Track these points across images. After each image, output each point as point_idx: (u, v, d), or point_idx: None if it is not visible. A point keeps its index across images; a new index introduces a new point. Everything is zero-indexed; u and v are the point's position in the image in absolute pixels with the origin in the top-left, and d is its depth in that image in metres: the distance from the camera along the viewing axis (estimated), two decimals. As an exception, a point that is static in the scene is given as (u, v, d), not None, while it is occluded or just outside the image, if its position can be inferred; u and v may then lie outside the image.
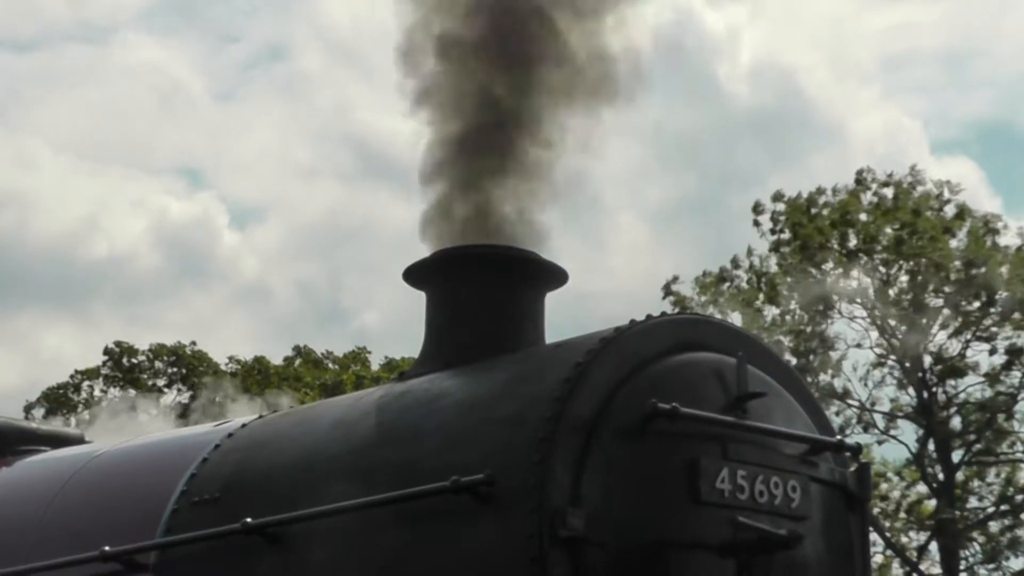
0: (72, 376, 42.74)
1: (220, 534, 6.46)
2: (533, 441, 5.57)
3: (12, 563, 7.39)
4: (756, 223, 33.86)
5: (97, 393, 42.58)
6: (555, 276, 7.09)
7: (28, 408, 40.61)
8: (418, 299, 7.18)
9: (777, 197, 33.70)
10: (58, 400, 41.70)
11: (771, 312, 33.55)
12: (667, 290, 34.01)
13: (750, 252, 33.86)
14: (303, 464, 6.48)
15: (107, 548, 6.88)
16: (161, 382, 42.87)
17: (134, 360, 42.64)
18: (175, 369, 42.66)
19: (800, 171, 52.86)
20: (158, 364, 42.75)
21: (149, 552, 6.81)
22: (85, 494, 7.64)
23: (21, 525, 7.70)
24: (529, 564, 5.40)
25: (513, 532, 5.47)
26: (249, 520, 6.31)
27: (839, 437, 6.51)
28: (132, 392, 40.92)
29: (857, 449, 6.58)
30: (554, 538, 5.40)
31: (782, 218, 33.43)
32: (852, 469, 6.46)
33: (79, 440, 9.52)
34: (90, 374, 42.66)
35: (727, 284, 33.99)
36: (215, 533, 6.50)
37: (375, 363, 42.38)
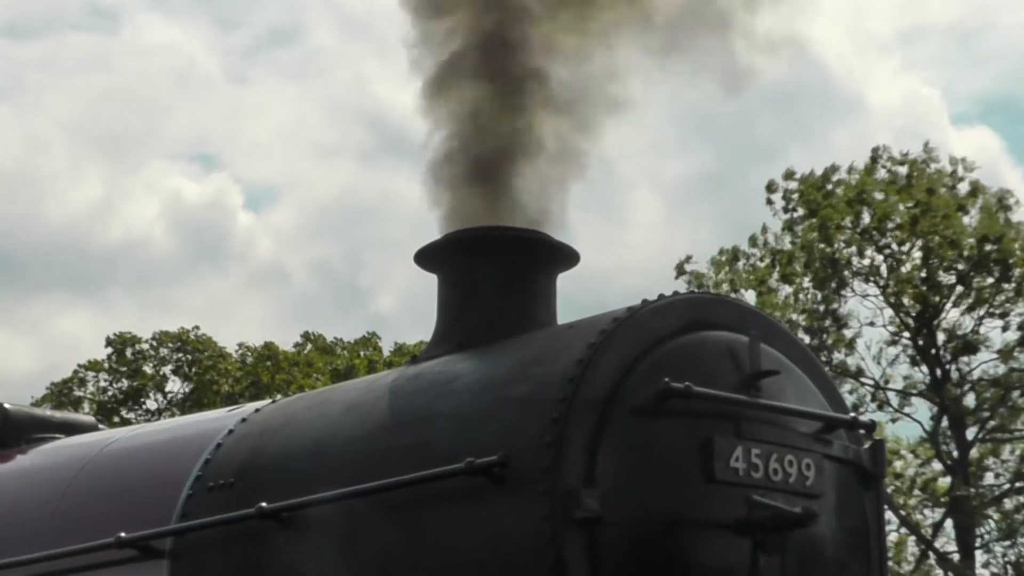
0: (76, 370, 42.69)
1: (235, 519, 6.47)
2: (547, 422, 5.57)
3: (28, 550, 7.40)
4: (769, 201, 33.83)
5: (102, 384, 42.56)
6: (566, 257, 7.07)
7: (34, 405, 40.53)
8: (431, 281, 7.19)
9: (789, 175, 33.65)
10: (63, 395, 41.64)
11: (785, 291, 33.56)
12: (680, 270, 34.02)
13: (764, 230, 33.82)
14: (317, 448, 6.48)
15: (123, 534, 6.88)
16: (168, 369, 42.79)
17: (139, 348, 42.49)
18: (180, 356, 42.55)
19: (820, 144, 52.67)
20: (163, 351, 42.65)
21: (165, 538, 6.82)
22: (100, 481, 7.65)
23: (36, 512, 7.71)
24: (544, 545, 5.39)
25: (528, 513, 5.47)
26: (264, 505, 6.31)
27: (853, 414, 6.51)
28: (136, 383, 40.93)
29: (871, 426, 6.56)
30: (569, 519, 5.40)
31: (795, 196, 33.38)
32: (866, 446, 6.45)
33: (92, 427, 9.54)
34: (94, 367, 42.60)
35: (741, 263, 33.97)
36: (230, 518, 6.51)
37: (386, 348, 42.38)
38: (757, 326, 6.18)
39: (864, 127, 49.95)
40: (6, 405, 9.28)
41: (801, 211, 33.27)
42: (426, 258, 7.13)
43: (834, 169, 33.30)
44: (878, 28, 52.48)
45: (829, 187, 33.07)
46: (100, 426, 9.72)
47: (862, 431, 6.50)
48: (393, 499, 5.91)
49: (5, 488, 8.36)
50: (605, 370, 5.72)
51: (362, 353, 42.04)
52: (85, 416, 10.34)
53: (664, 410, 5.69)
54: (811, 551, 5.90)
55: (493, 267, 6.87)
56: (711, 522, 5.67)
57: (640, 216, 52.29)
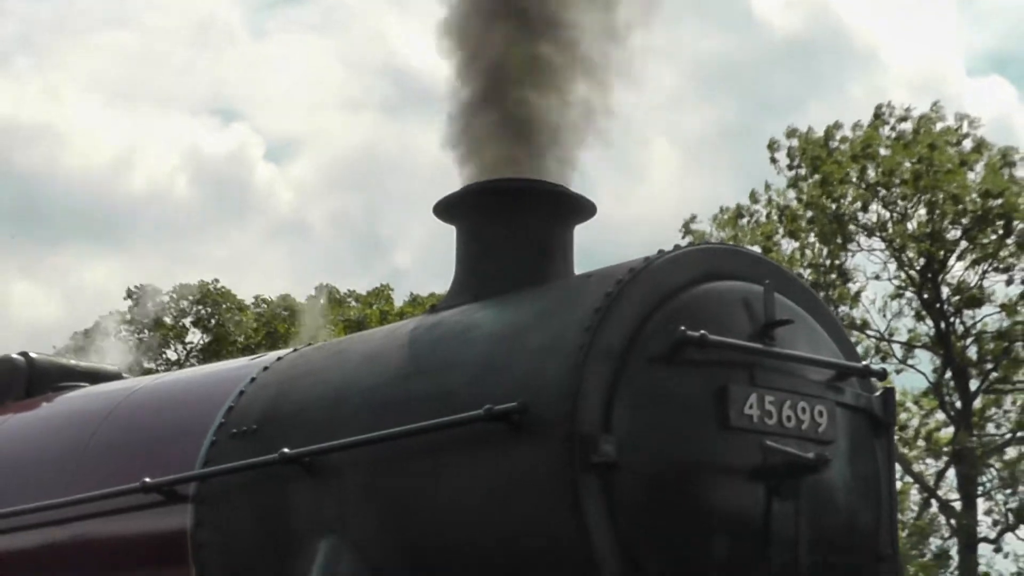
0: (97, 322, 42.70)
1: (258, 464, 6.57)
2: (565, 369, 5.65)
3: (55, 495, 7.51)
4: (773, 160, 33.83)
5: (123, 335, 42.57)
6: (584, 208, 7.12)
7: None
8: (450, 233, 7.24)
9: (791, 133, 33.64)
10: (83, 347, 41.56)
11: (790, 246, 33.60)
12: (687, 229, 34.03)
13: (768, 188, 33.83)
14: (338, 395, 6.56)
15: (147, 479, 6.99)
16: (188, 321, 42.87)
17: (161, 300, 42.54)
18: (200, 308, 42.61)
19: (838, 97, 52.32)
20: (183, 304, 42.72)
21: (189, 483, 6.93)
22: (125, 427, 7.75)
23: (63, 458, 7.81)
24: (562, 490, 5.49)
25: (546, 459, 5.56)
26: (286, 450, 6.41)
27: (865, 362, 6.57)
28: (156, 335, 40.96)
29: (882, 374, 6.63)
30: (586, 464, 5.49)
31: (798, 154, 33.37)
32: (877, 394, 6.53)
33: (117, 376, 9.63)
34: (115, 318, 42.59)
35: (745, 219, 33.98)
36: (253, 463, 6.60)
37: (399, 300, 42.35)
38: (771, 276, 6.24)
39: (881, 80, 49.68)
40: (32, 354, 9.39)
41: (806, 169, 33.24)
42: (445, 210, 7.16)
43: (837, 127, 33.25)
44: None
45: (834, 144, 33.04)
46: (124, 375, 9.82)
47: (874, 379, 6.58)
48: (412, 445, 6.00)
49: (33, 435, 8.48)
50: (622, 319, 5.79)
51: (374, 305, 42.00)
52: (110, 365, 10.42)
53: (680, 358, 5.76)
54: (823, 496, 5.98)
55: (511, 218, 6.91)
56: (726, 468, 5.76)
57: (657, 169, 52.13)
